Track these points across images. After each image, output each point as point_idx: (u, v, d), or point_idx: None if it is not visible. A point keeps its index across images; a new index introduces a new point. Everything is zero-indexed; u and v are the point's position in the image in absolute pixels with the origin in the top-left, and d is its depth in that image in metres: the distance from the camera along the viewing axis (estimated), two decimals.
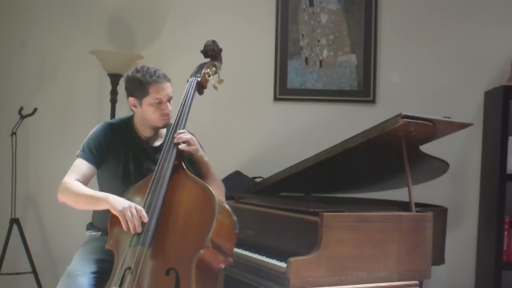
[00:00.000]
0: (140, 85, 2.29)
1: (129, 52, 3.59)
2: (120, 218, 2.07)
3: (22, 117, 3.50)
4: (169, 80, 2.33)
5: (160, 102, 2.30)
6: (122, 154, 2.38)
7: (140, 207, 2.09)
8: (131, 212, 2.06)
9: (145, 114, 2.35)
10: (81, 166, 2.32)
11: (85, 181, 2.31)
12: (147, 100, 2.30)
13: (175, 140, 2.26)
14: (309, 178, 2.98)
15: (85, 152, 2.34)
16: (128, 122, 2.45)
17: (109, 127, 2.41)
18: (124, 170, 2.37)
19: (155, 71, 2.30)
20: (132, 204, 2.10)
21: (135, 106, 2.36)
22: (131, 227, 2.05)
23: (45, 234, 3.75)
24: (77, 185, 2.24)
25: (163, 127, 2.39)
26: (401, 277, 2.44)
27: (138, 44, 3.71)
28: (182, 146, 2.25)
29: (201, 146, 2.45)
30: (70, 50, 3.73)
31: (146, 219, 2.07)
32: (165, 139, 2.40)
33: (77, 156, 2.34)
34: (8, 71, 3.79)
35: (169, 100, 2.33)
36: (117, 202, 2.12)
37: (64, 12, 3.75)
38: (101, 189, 2.42)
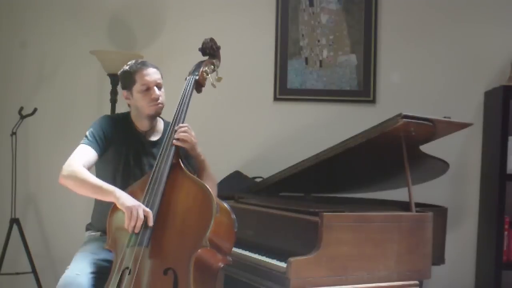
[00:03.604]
0: (128, 75, 2.37)
1: (129, 52, 3.59)
2: (126, 214, 2.05)
3: (22, 117, 3.50)
4: (155, 67, 2.39)
5: (147, 89, 2.35)
6: (122, 146, 2.40)
7: (148, 210, 2.07)
8: (138, 212, 2.05)
9: (136, 103, 2.38)
10: (86, 152, 2.30)
11: (88, 168, 2.29)
12: (135, 88, 2.36)
13: (176, 136, 2.25)
14: (309, 178, 2.98)
15: (89, 139, 2.34)
16: (126, 117, 2.48)
17: (111, 119, 2.46)
18: (125, 163, 2.39)
19: (141, 61, 2.40)
20: (142, 205, 2.08)
21: (128, 98, 2.41)
22: (131, 226, 2.05)
23: (45, 234, 3.75)
24: (85, 171, 2.22)
25: (155, 115, 2.41)
26: (401, 277, 2.44)
27: (138, 44, 3.71)
28: (176, 142, 2.25)
29: None
30: (70, 50, 3.73)
31: (151, 223, 2.06)
32: (162, 135, 2.41)
33: (83, 143, 2.33)
34: (8, 71, 3.79)
35: (157, 86, 2.37)
36: (126, 197, 2.11)
37: (64, 12, 3.75)
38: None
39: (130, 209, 2.05)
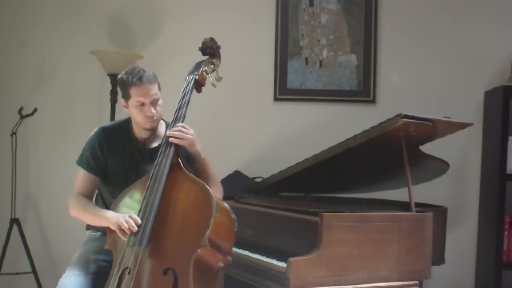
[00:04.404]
0: (124, 87, 2.31)
1: (129, 52, 3.59)
2: (116, 229, 2.09)
3: (22, 117, 3.50)
4: (152, 82, 2.28)
5: (142, 105, 2.28)
6: (119, 157, 2.38)
7: (132, 214, 2.10)
8: (124, 219, 2.07)
9: (132, 115, 2.36)
10: (84, 178, 2.37)
11: (92, 192, 2.38)
12: (130, 102, 2.31)
13: (167, 134, 2.25)
14: (309, 178, 2.98)
15: (84, 162, 2.37)
16: (125, 124, 2.44)
17: (104, 133, 2.41)
18: (122, 173, 2.37)
19: (138, 73, 2.26)
20: (124, 215, 2.11)
21: (125, 107, 2.37)
22: (126, 230, 2.06)
23: (45, 234, 3.75)
24: (82, 203, 2.30)
25: (150, 129, 2.36)
26: (401, 277, 2.44)
27: (138, 44, 3.71)
28: (172, 140, 2.23)
29: None
30: (70, 50, 3.73)
31: (138, 222, 2.07)
32: (163, 140, 2.40)
33: (77, 163, 2.38)
34: (8, 71, 3.79)
35: (153, 102, 2.29)
36: (111, 217, 2.14)
37: (64, 12, 3.75)
38: (101, 190, 2.44)
39: (115, 225, 2.09)
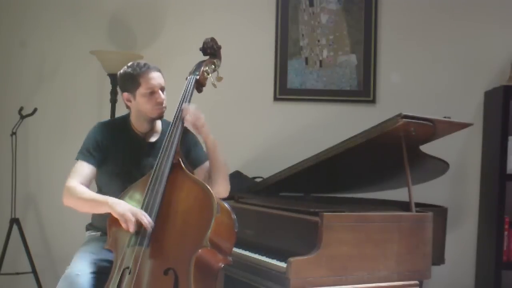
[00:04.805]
0: (131, 78, 2.33)
1: (129, 52, 3.59)
2: (120, 221, 2.08)
3: (22, 117, 3.50)
4: (159, 70, 2.37)
5: (152, 92, 2.33)
6: (120, 151, 2.39)
7: (140, 211, 2.09)
8: (131, 213, 2.06)
9: (139, 106, 2.36)
10: (82, 168, 2.33)
11: (87, 183, 2.34)
12: (139, 91, 2.33)
13: (183, 108, 2.31)
14: (309, 178, 2.98)
15: (84, 153, 2.35)
16: (124, 120, 2.47)
17: (104, 127, 2.44)
18: (122, 167, 2.38)
19: (144, 64, 2.35)
20: (133, 208, 2.10)
21: (129, 101, 2.38)
22: (130, 228, 2.06)
23: (45, 234, 3.75)
24: (80, 189, 2.26)
25: (158, 118, 2.40)
26: (401, 277, 2.44)
27: (138, 44, 3.71)
28: (187, 118, 2.29)
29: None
30: (70, 50, 3.73)
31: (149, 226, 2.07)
32: (161, 136, 2.41)
33: (76, 159, 2.37)
34: (8, 71, 3.79)
35: (161, 89, 2.36)
36: (117, 205, 2.12)
37: (64, 12, 3.75)
38: (100, 187, 2.44)
39: (122, 216, 2.07)
